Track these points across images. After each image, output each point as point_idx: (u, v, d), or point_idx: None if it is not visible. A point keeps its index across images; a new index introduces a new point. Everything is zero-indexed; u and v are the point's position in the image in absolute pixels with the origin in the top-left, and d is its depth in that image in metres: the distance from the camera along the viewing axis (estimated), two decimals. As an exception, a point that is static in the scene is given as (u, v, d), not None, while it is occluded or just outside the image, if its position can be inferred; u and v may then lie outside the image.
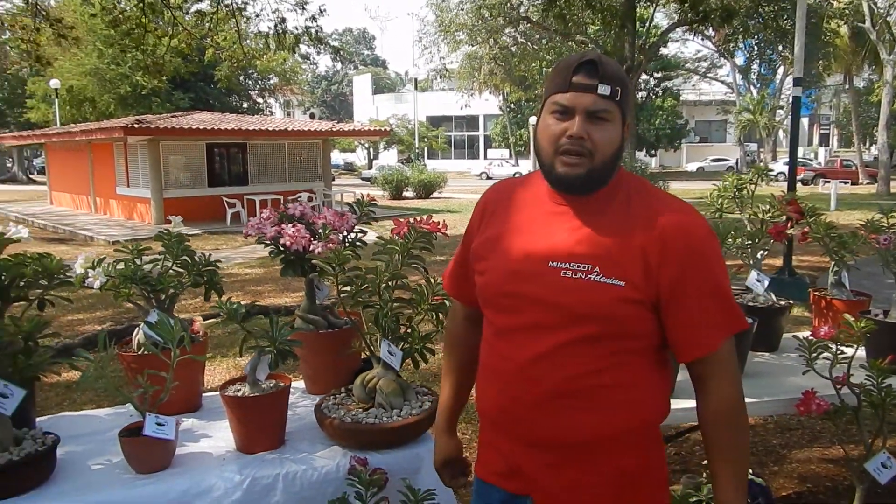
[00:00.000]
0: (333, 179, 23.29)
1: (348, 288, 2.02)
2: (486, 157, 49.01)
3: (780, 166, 28.40)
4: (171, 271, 2.18)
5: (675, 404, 2.11)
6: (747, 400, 2.15)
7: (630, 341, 1.35)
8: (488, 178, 39.83)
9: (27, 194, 29.08)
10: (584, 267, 1.32)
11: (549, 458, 1.38)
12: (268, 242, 2.18)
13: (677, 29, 23.07)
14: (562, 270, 1.33)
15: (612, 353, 1.34)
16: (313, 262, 2.15)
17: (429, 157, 44.82)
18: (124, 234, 15.08)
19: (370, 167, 44.06)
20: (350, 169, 50.64)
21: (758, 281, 2.68)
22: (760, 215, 2.71)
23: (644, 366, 1.37)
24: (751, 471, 2.02)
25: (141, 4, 8.87)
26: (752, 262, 2.69)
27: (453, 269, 1.64)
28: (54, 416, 2.33)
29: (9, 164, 43.63)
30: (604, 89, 1.32)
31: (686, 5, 16.79)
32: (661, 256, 1.31)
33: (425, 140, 44.14)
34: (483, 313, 1.50)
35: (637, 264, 1.31)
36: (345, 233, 2.21)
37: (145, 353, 2.10)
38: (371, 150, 50.75)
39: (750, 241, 2.61)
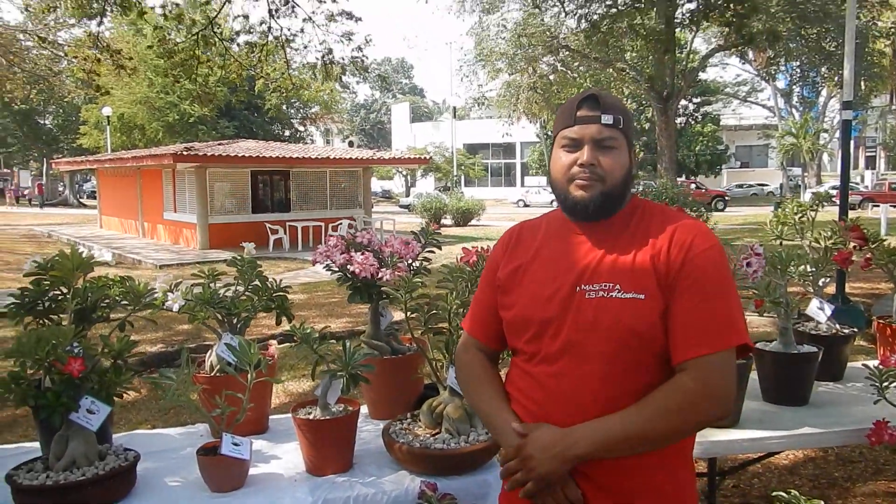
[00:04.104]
0: (372, 207, 23.57)
1: (415, 315, 2.07)
2: (523, 185, 49.03)
3: (826, 190, 27.80)
4: (243, 296, 2.25)
5: (735, 435, 2.11)
6: (812, 430, 2.17)
7: (660, 358, 1.37)
8: (525, 205, 39.83)
9: (78, 217, 30.07)
10: (606, 286, 1.39)
11: (590, 479, 1.40)
12: (336, 270, 2.25)
13: (717, 53, 22.91)
14: (587, 292, 1.40)
15: (644, 371, 1.37)
16: (381, 288, 2.21)
17: (466, 185, 45.07)
18: (171, 259, 15.49)
19: (407, 195, 44.50)
20: (388, 196, 51.15)
21: (820, 309, 2.64)
22: (822, 242, 2.68)
23: None
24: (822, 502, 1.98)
25: (195, 37, 9.23)
26: (814, 289, 2.66)
27: (474, 311, 1.64)
28: (128, 433, 2.41)
29: (61, 188, 45.26)
30: (607, 119, 1.43)
31: (731, 28, 16.75)
32: (667, 265, 1.37)
33: (462, 167, 44.41)
34: (510, 348, 1.55)
35: (650, 276, 1.37)
36: (409, 260, 2.26)
37: (219, 374, 2.17)
38: (408, 177, 51.27)
39: (813, 269, 2.58)
